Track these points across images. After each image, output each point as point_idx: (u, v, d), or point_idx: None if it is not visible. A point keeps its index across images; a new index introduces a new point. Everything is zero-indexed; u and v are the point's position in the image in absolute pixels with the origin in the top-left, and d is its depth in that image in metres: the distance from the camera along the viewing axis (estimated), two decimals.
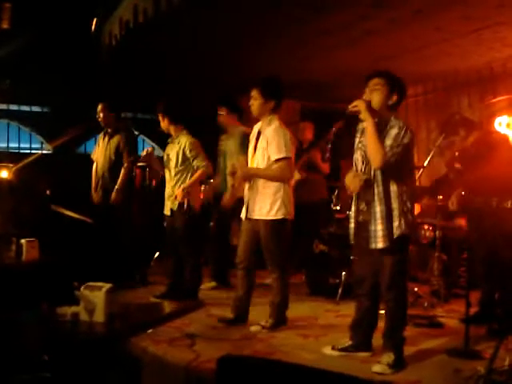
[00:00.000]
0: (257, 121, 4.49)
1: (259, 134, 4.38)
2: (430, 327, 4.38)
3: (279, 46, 6.35)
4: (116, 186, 5.71)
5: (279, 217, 4.24)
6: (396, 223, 3.39)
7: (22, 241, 4.71)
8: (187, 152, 5.14)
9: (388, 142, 3.37)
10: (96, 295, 3.31)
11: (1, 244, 4.79)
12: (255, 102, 4.35)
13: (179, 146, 5.19)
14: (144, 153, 5.71)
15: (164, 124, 5.28)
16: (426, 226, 5.61)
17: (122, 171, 5.76)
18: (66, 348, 3.04)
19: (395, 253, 3.43)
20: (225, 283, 5.82)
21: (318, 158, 6.46)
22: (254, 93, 4.36)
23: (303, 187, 6.18)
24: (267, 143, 4.27)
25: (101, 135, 6.13)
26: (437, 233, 5.30)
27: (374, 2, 4.99)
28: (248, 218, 4.36)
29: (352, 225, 3.64)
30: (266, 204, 4.25)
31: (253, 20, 5.60)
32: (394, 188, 3.42)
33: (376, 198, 3.45)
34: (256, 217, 4.30)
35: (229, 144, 5.80)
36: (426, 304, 4.97)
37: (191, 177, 5.15)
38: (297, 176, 6.32)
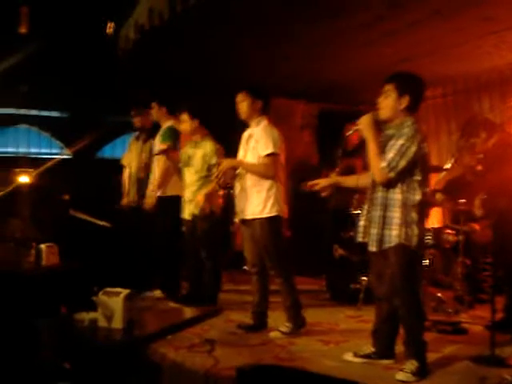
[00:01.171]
0: None
1: (250, 137, 4.40)
2: (454, 333, 4.30)
3: (296, 47, 6.29)
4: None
5: (273, 214, 4.24)
6: (395, 232, 3.33)
7: (42, 246, 4.71)
8: (212, 159, 5.10)
9: (390, 154, 3.31)
10: (114, 301, 3.29)
11: (21, 249, 4.80)
12: (243, 103, 4.39)
13: (204, 151, 5.15)
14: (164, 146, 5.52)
15: (187, 125, 5.22)
16: (448, 231, 5.51)
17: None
18: (85, 355, 3.03)
19: (395, 261, 3.36)
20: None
21: (359, 165, 6.30)
22: (241, 95, 4.42)
23: (339, 193, 6.09)
24: (256, 142, 4.30)
25: (132, 140, 6.11)
26: (460, 237, 5.21)
27: (391, 2, 4.92)
28: (243, 220, 4.35)
29: (362, 222, 3.57)
30: (258, 202, 4.25)
31: (269, 21, 5.55)
32: (397, 196, 3.36)
33: (375, 202, 3.43)
34: (250, 217, 4.29)
35: (156, 142, 5.66)
36: (450, 310, 4.88)
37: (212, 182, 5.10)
38: (332, 179, 6.23)
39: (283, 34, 5.94)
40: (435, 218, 6.09)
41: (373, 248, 3.43)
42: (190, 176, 5.20)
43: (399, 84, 3.42)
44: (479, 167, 4.76)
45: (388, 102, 3.43)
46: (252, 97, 4.37)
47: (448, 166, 5.21)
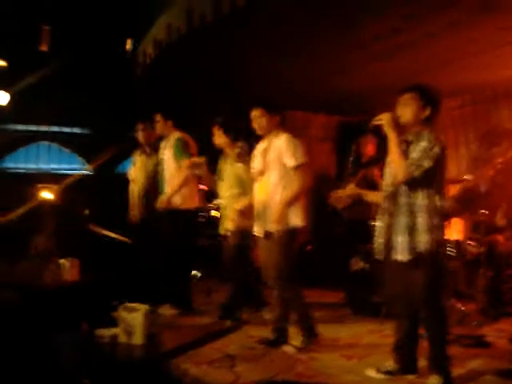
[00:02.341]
0: None
1: (266, 149, 4.37)
2: (478, 347, 4.23)
3: (312, 60, 6.31)
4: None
5: (299, 224, 4.24)
6: (422, 238, 3.31)
7: (63, 260, 4.74)
8: (243, 174, 5.07)
9: (414, 154, 3.32)
10: (134, 317, 3.30)
11: (42, 263, 4.84)
12: (261, 119, 4.38)
13: (234, 166, 5.13)
14: (197, 160, 5.43)
15: (220, 140, 5.19)
16: (469, 242, 5.44)
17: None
18: (106, 372, 3.03)
19: (424, 268, 3.34)
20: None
21: (377, 175, 6.26)
22: (257, 112, 4.40)
23: (357, 204, 6.07)
24: (279, 154, 4.26)
25: (137, 154, 6.13)
26: (481, 248, 5.14)
27: (406, 14, 4.91)
28: (266, 233, 4.30)
29: (380, 240, 3.54)
30: (287, 213, 4.21)
31: (285, 35, 5.58)
32: (422, 202, 3.34)
33: (400, 210, 3.40)
34: (273, 229, 4.24)
35: (166, 152, 5.58)
36: (473, 323, 4.80)
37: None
38: (352, 190, 6.20)
39: (298, 49, 5.96)
40: (456, 230, 6.02)
41: (398, 256, 3.37)
42: (223, 190, 5.22)
43: (423, 94, 3.44)
44: (497, 177, 4.71)
45: (411, 110, 3.43)
46: (269, 113, 4.37)
47: (466, 176, 5.17)
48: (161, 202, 5.38)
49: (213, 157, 5.36)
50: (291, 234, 4.23)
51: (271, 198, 4.28)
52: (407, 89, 3.49)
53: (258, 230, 4.39)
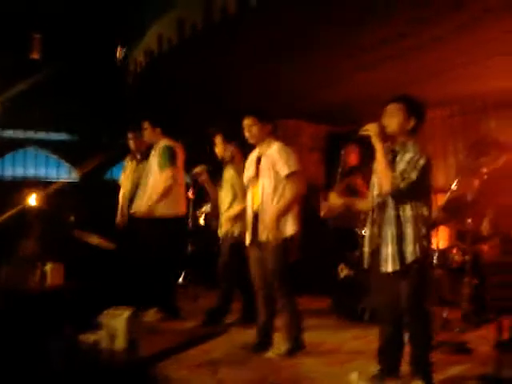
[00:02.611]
0: None
1: (258, 159, 4.37)
2: (460, 353, 4.25)
3: (301, 69, 6.33)
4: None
5: (292, 232, 4.23)
6: (410, 248, 3.33)
7: (47, 266, 4.72)
8: (236, 181, 5.10)
9: (401, 166, 3.34)
10: (117, 321, 3.29)
11: (27, 268, 4.81)
12: (253, 128, 4.37)
13: (230, 173, 5.18)
14: (198, 169, 5.46)
15: (221, 149, 5.23)
16: (454, 250, 5.47)
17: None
18: (89, 376, 3.02)
19: (411, 278, 3.36)
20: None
21: (360, 183, 6.31)
22: (249, 120, 4.39)
23: (341, 212, 6.09)
24: (272, 163, 4.26)
25: (127, 161, 6.14)
26: (466, 257, 5.17)
27: (398, 28, 4.95)
28: (257, 242, 4.29)
29: (366, 249, 3.56)
30: (280, 224, 4.20)
31: (275, 45, 5.60)
32: (408, 212, 3.36)
33: (388, 221, 3.41)
34: (266, 238, 4.22)
35: (152, 161, 5.52)
36: (456, 329, 4.83)
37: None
38: (334, 200, 6.23)
39: (290, 58, 5.98)
40: (441, 238, 6.05)
41: (388, 268, 3.38)
42: (223, 199, 5.24)
43: (408, 105, 3.47)
44: (484, 187, 4.75)
45: (396, 120, 3.46)
46: (261, 121, 4.36)
47: (454, 185, 5.20)
48: (139, 211, 5.34)
49: (214, 166, 5.38)
50: (286, 242, 4.22)
51: (264, 207, 4.26)
52: (393, 99, 3.52)
53: (249, 239, 4.37)
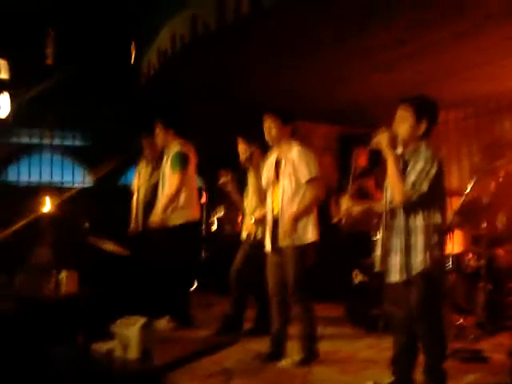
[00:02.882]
0: None
1: (278, 161, 4.33)
2: (475, 361, 4.21)
3: (314, 69, 6.31)
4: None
5: (312, 239, 4.20)
6: (420, 257, 3.28)
7: (62, 273, 4.74)
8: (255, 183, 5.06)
9: (412, 177, 3.28)
10: (131, 330, 3.30)
11: (41, 275, 4.84)
12: (272, 130, 4.30)
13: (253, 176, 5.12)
14: (224, 179, 5.36)
15: (243, 152, 5.14)
16: (469, 255, 5.42)
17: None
18: None
19: (420, 287, 3.31)
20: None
21: (371, 186, 6.26)
22: (269, 120, 4.31)
23: (355, 216, 6.04)
24: (293, 167, 4.22)
25: (141, 165, 6.12)
26: (481, 262, 5.12)
27: (410, 24, 4.91)
28: (276, 248, 4.27)
29: (378, 252, 3.53)
30: (300, 229, 4.18)
31: (288, 43, 5.58)
32: (419, 221, 3.32)
33: (397, 229, 3.38)
34: (286, 244, 4.20)
35: (165, 168, 5.45)
36: (471, 337, 4.78)
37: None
38: (347, 203, 6.19)
39: (303, 57, 5.96)
40: (456, 243, 6.00)
41: (396, 277, 3.35)
42: (249, 204, 5.20)
43: (417, 109, 3.38)
44: (499, 189, 4.70)
45: (406, 127, 3.39)
46: (281, 121, 4.29)
47: (468, 188, 5.15)
48: (152, 223, 5.30)
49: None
50: (304, 249, 4.20)
51: (284, 212, 4.23)
52: (402, 102, 3.45)
53: (269, 244, 4.34)
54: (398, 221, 3.38)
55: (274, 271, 4.34)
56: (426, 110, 3.40)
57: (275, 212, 4.30)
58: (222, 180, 5.24)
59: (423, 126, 3.37)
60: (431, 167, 3.27)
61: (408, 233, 3.33)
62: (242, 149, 5.07)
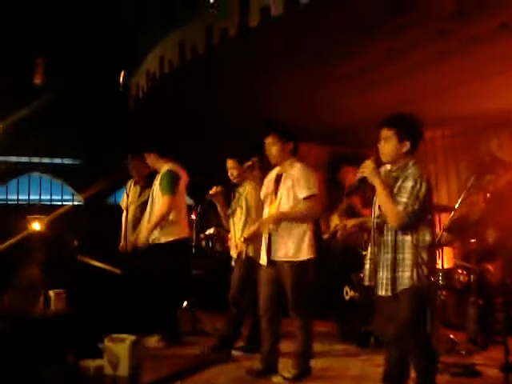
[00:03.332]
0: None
1: (278, 177, 4.33)
2: (467, 376, 4.20)
3: (301, 91, 6.37)
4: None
5: (308, 256, 4.18)
6: (407, 274, 3.28)
7: (51, 292, 4.71)
8: (250, 200, 5.04)
9: (404, 198, 3.28)
10: (120, 348, 3.27)
11: (30, 295, 4.81)
12: (273, 148, 4.31)
13: (243, 194, 5.09)
14: (214, 190, 5.22)
15: (230, 171, 5.14)
16: (459, 270, 5.44)
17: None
18: None
19: (407, 303, 3.30)
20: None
21: (358, 204, 6.31)
22: (270, 139, 4.32)
23: (346, 233, 6.07)
24: (293, 182, 4.22)
25: (130, 184, 6.13)
26: (471, 277, 5.13)
27: (397, 45, 4.98)
28: (271, 262, 4.27)
29: (367, 266, 3.53)
30: (294, 244, 4.16)
31: (273, 67, 5.65)
32: (407, 238, 3.32)
33: (384, 245, 3.37)
34: (282, 259, 4.19)
35: (155, 188, 5.45)
36: (462, 352, 4.78)
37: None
38: (336, 221, 6.22)
39: (285, 80, 6.03)
40: (446, 258, 6.02)
41: (382, 292, 3.35)
42: (236, 223, 5.14)
43: (399, 130, 3.41)
44: (488, 205, 4.73)
45: (389, 148, 3.42)
46: (282, 139, 4.29)
47: (457, 205, 5.18)
48: (139, 240, 5.29)
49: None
50: (301, 265, 4.18)
51: (279, 228, 4.22)
52: (384, 123, 3.47)
53: (264, 259, 4.32)
54: (386, 236, 3.38)
55: (267, 285, 4.31)
56: (407, 129, 3.43)
57: (271, 226, 4.30)
58: (213, 190, 5.18)
59: (407, 144, 3.40)
60: (421, 187, 3.29)
61: (396, 249, 3.33)
62: (231, 167, 5.11)
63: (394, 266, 3.31)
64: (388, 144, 3.42)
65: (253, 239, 4.86)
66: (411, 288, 3.27)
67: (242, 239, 4.91)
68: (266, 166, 4.61)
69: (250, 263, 4.93)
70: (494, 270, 5.47)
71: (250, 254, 4.96)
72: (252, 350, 4.84)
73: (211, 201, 5.22)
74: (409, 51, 5.05)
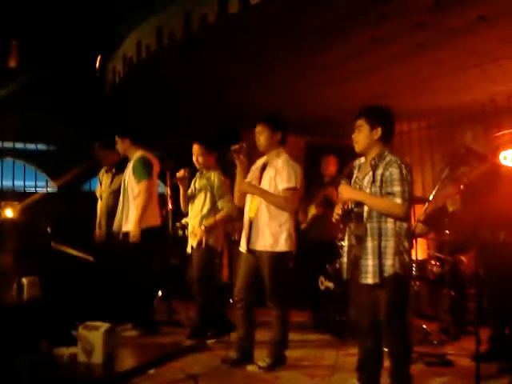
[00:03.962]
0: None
1: (264, 166, 4.34)
2: (440, 365, 4.27)
3: (279, 81, 6.36)
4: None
5: (285, 249, 4.19)
6: (390, 261, 3.32)
7: (24, 279, 4.65)
8: (215, 190, 5.06)
9: (396, 187, 3.31)
10: (94, 335, 3.23)
11: (3, 282, 4.74)
12: (262, 136, 4.33)
13: (207, 181, 5.10)
14: (182, 172, 5.23)
15: (201, 158, 5.16)
16: (432, 262, 5.50)
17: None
18: None
19: (389, 291, 3.35)
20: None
21: (335, 195, 6.32)
22: (260, 127, 4.34)
23: (318, 223, 6.11)
24: (276, 172, 4.24)
25: (102, 172, 6.09)
26: (445, 268, 5.19)
27: (374, 37, 4.98)
28: (249, 250, 4.27)
29: (344, 259, 3.57)
30: (271, 235, 4.19)
31: (252, 56, 5.62)
32: (390, 225, 3.36)
33: (369, 233, 3.39)
34: (260, 248, 4.22)
35: (127, 173, 5.49)
36: (435, 342, 4.84)
37: (214, 215, 5.04)
38: (313, 211, 6.24)
39: (265, 69, 6.00)
40: (420, 249, 6.09)
41: (368, 280, 3.36)
42: (194, 208, 5.14)
43: (370, 117, 3.50)
44: (461, 197, 4.78)
45: (362, 136, 3.51)
46: (271, 129, 4.31)
47: (431, 197, 5.23)
48: (133, 237, 5.24)
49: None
50: (280, 257, 4.20)
51: (259, 215, 4.25)
52: (357, 115, 3.55)
53: (244, 246, 4.33)
54: (372, 224, 3.39)
55: (245, 273, 4.34)
56: (378, 116, 3.51)
57: (252, 214, 4.30)
58: (181, 173, 5.15)
59: (377, 132, 3.46)
60: (407, 172, 3.34)
61: (381, 236, 3.36)
62: (198, 153, 5.10)
63: (379, 253, 3.34)
64: (360, 132, 3.51)
65: (214, 228, 4.91)
66: (393, 276, 3.31)
67: (203, 228, 4.92)
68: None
69: (210, 252, 4.95)
70: (467, 261, 5.55)
71: (210, 242, 4.98)
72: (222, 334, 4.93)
73: (176, 183, 5.22)
74: (388, 42, 5.05)
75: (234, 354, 4.35)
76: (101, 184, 6.06)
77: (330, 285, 5.57)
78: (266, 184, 4.27)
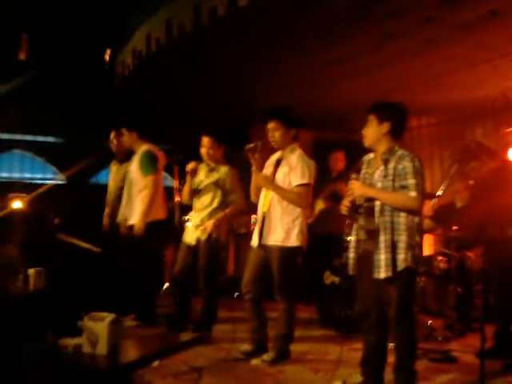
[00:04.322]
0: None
1: (278, 161, 4.34)
2: (444, 362, 4.25)
3: (288, 76, 6.34)
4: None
5: (296, 244, 4.20)
6: (402, 256, 3.30)
7: (30, 270, 4.67)
8: (227, 184, 5.02)
9: (410, 180, 3.30)
10: (99, 326, 3.24)
11: (9, 273, 4.76)
12: (277, 133, 4.30)
13: (219, 175, 5.04)
14: (193, 165, 5.15)
15: (210, 151, 5.07)
16: (439, 257, 5.48)
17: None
18: (69, 382, 2.98)
19: (401, 285, 3.33)
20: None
21: (344, 189, 6.28)
22: (273, 124, 4.31)
23: (326, 218, 6.09)
24: (290, 168, 4.24)
25: (113, 163, 6.09)
26: (451, 264, 5.17)
27: (385, 32, 4.96)
28: (261, 245, 4.27)
29: (351, 255, 3.55)
30: (284, 230, 4.19)
31: (262, 50, 5.60)
32: (402, 220, 3.34)
33: (381, 227, 3.37)
34: (271, 243, 4.22)
35: (133, 165, 5.46)
36: (440, 338, 4.82)
37: (224, 209, 5.01)
38: (321, 205, 6.22)
39: (275, 64, 5.98)
40: (426, 245, 6.06)
41: (380, 274, 3.33)
42: (201, 201, 5.10)
43: (379, 112, 3.49)
44: (472, 192, 4.75)
45: (370, 130, 3.50)
46: (286, 125, 4.29)
47: (439, 192, 5.20)
48: (137, 230, 5.21)
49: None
50: (290, 252, 4.21)
51: (271, 210, 4.25)
52: (367, 110, 3.55)
53: (256, 240, 4.32)
54: (385, 219, 3.36)
55: (253, 265, 4.34)
56: (387, 113, 3.49)
57: (265, 209, 4.30)
58: (191, 166, 5.10)
59: (386, 125, 3.45)
60: (420, 165, 3.34)
61: (394, 230, 3.34)
62: (208, 146, 5.03)
63: (392, 247, 3.32)
64: (369, 127, 3.51)
65: (222, 224, 4.90)
66: (406, 270, 3.29)
67: (215, 221, 4.90)
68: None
69: (217, 245, 4.95)
70: (474, 258, 5.52)
71: (217, 235, 4.97)
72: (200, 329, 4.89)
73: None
74: (398, 37, 5.03)
75: (249, 346, 4.34)
76: (112, 176, 6.06)
77: (336, 279, 5.55)
78: (280, 180, 4.27)
